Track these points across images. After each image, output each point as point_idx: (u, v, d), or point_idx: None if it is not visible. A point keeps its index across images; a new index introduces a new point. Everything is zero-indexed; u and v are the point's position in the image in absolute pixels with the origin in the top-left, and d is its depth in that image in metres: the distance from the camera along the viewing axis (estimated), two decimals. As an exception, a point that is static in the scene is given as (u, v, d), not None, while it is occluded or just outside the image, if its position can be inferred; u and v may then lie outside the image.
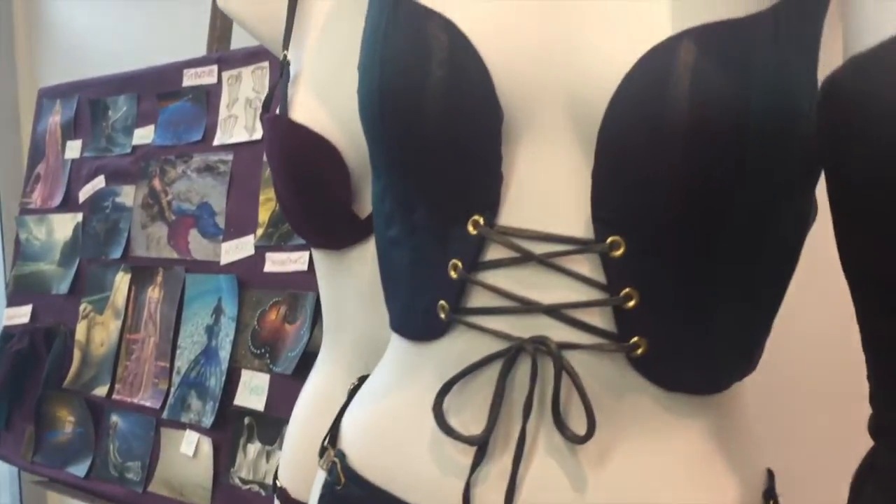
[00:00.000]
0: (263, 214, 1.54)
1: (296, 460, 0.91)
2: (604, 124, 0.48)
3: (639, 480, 0.52)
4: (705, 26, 0.48)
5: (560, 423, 0.50)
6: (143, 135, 1.80)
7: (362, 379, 0.69)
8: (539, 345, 0.49)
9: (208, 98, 1.68)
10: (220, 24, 1.74)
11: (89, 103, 1.95)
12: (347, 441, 0.63)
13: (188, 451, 1.56)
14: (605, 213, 0.49)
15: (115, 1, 2.23)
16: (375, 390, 0.62)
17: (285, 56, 0.88)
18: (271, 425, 1.45)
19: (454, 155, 0.51)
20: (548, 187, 0.50)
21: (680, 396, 0.53)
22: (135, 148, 1.83)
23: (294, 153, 0.82)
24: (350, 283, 0.86)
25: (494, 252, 0.51)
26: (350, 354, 0.87)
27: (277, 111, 0.85)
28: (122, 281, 1.78)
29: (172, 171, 1.75)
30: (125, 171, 1.83)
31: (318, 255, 0.92)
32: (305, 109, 0.83)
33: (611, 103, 0.49)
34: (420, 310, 0.56)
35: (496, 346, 0.51)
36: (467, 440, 0.52)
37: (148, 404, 1.67)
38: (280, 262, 1.48)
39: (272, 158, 0.87)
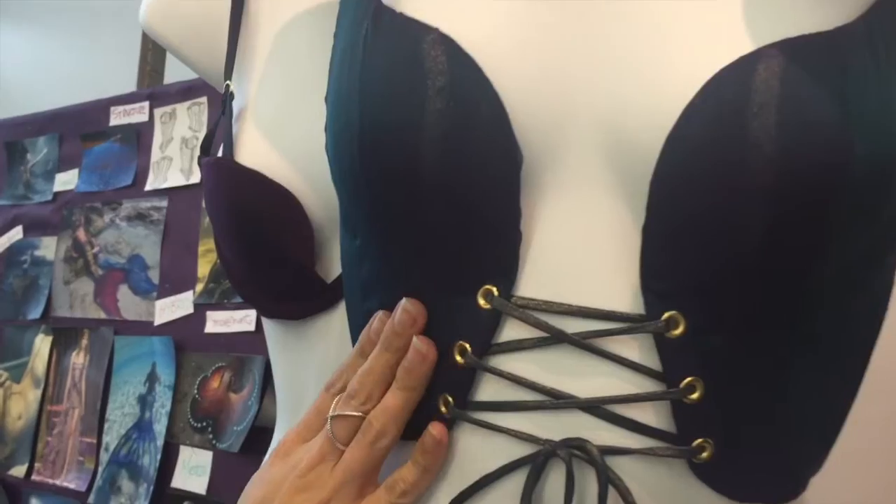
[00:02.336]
0: (203, 268, 1.51)
1: None
2: (659, 168, 0.43)
3: None
4: (790, 41, 0.43)
5: None
6: (66, 180, 1.79)
7: None
8: (576, 450, 0.45)
9: (139, 138, 1.66)
10: (152, 56, 1.73)
11: (5, 145, 1.94)
12: None
13: None
14: (659, 282, 0.44)
15: (32, 31, 2.21)
16: None
17: (228, 87, 0.79)
18: None
19: (459, 210, 0.46)
20: (581, 249, 0.46)
21: None
22: (56, 195, 1.81)
23: (243, 204, 0.73)
24: (312, 359, 0.76)
25: (513, 331, 0.47)
26: None
27: (220, 153, 0.76)
28: (42, 344, 1.75)
29: (99, 220, 1.71)
30: (45, 221, 1.81)
31: (270, 324, 0.81)
32: (255, 151, 0.74)
33: (668, 141, 0.43)
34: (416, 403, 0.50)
35: (518, 450, 0.46)
36: None
37: (72, 486, 1.61)
38: (223, 322, 1.46)
39: (214, 210, 0.77)
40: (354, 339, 0.56)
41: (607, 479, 0.44)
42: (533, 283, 0.47)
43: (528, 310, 0.46)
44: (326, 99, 0.53)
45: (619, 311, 0.45)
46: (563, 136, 0.46)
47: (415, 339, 0.48)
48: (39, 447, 1.70)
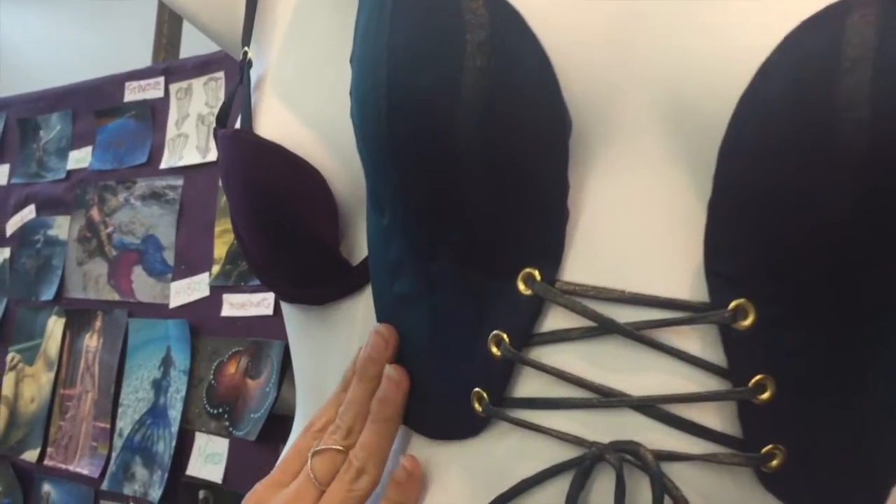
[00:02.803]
0: (220, 249, 1.48)
1: None
2: (730, 134, 0.40)
3: None
4: None
5: None
6: (80, 158, 1.78)
7: None
8: (627, 454, 0.42)
9: (154, 114, 1.64)
10: (168, 30, 1.70)
11: (18, 122, 1.93)
12: None
13: None
14: (727, 265, 0.41)
15: (46, 5, 2.20)
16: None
17: (246, 53, 0.76)
18: (231, 501, 1.38)
19: (499, 182, 0.43)
20: (636, 228, 0.43)
21: None
22: (70, 173, 1.80)
23: (262, 180, 0.70)
24: (335, 346, 0.73)
25: (557, 320, 0.44)
26: None
27: (238, 125, 0.73)
28: (55, 326, 1.73)
29: (113, 200, 1.69)
30: (59, 200, 1.80)
31: (291, 309, 0.78)
32: (275, 122, 0.71)
33: (741, 103, 0.40)
34: (443, 398, 0.48)
35: (561, 454, 0.44)
36: None
37: (85, 472, 1.60)
38: (240, 305, 1.43)
39: (231, 186, 0.74)
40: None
41: (663, 488, 0.42)
42: (580, 266, 0.44)
43: (575, 296, 0.43)
44: (351, 60, 0.51)
45: (678, 298, 0.42)
46: (618, 100, 0.43)
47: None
48: (52, 431, 1.69)
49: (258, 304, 1.40)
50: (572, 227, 0.44)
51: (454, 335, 0.48)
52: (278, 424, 1.30)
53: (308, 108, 0.70)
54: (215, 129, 0.78)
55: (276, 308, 1.35)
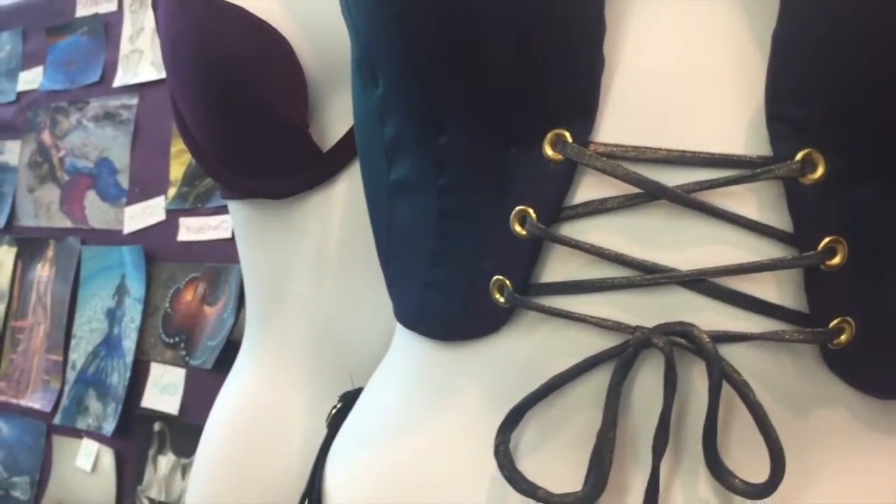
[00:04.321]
0: (176, 170, 1.44)
1: (209, 496, 0.77)
2: None
3: None
4: None
5: (718, 466, 0.40)
6: (30, 79, 1.73)
7: (347, 399, 0.58)
8: (677, 337, 0.39)
9: (107, 30, 1.60)
10: None
11: None
12: (342, 502, 0.51)
13: (86, 465, 1.49)
14: (793, 108, 0.38)
15: None
16: (381, 420, 0.51)
17: None
18: (187, 433, 1.36)
19: (523, 25, 0.39)
20: (684, 75, 0.39)
21: (892, 406, 0.43)
22: (20, 95, 1.76)
23: (219, 46, 0.64)
24: (301, 246, 0.71)
25: (592, 189, 0.41)
26: (296, 350, 0.73)
27: None
28: (5, 256, 1.70)
29: (65, 122, 1.64)
30: (8, 124, 1.76)
31: (244, 209, 0.74)
32: None
33: None
34: (457, 291, 0.45)
35: (599, 343, 0.41)
36: (561, 503, 0.41)
37: (37, 406, 1.59)
38: (197, 229, 1.40)
39: (177, 58, 0.67)
40: (374, 220, 0.51)
41: (721, 373, 0.39)
42: (618, 123, 0.40)
43: (613, 159, 0.40)
44: None
45: (735, 154, 0.39)
46: None
47: None
48: (3, 365, 1.67)
49: (216, 227, 1.37)
50: (609, 77, 0.40)
51: (468, 220, 0.44)
52: (236, 352, 1.26)
53: None
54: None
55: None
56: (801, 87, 0.38)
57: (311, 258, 0.71)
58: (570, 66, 0.40)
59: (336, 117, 0.66)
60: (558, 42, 0.40)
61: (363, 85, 0.48)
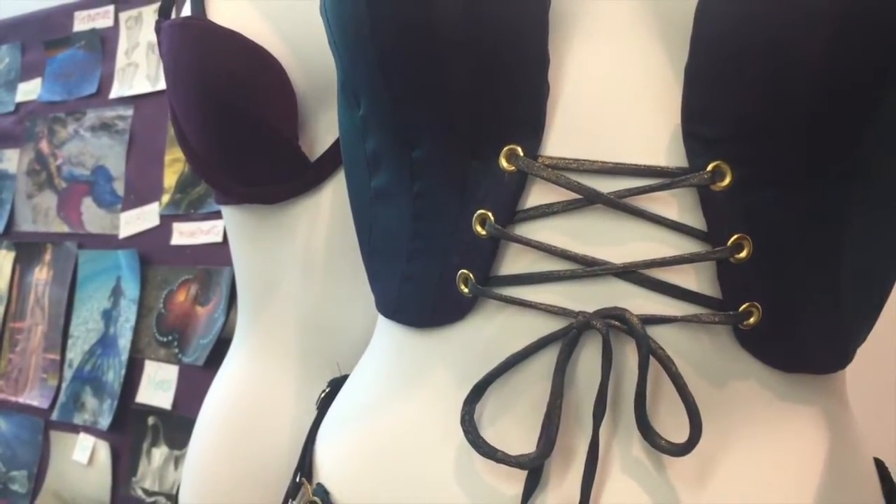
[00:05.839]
0: (170, 178, 1.46)
1: (203, 480, 0.78)
2: None
3: (751, 496, 0.46)
4: None
5: (647, 429, 0.43)
6: (28, 90, 1.74)
7: (335, 383, 0.60)
8: (613, 320, 0.43)
9: (104, 44, 1.61)
10: None
11: None
12: (330, 474, 0.54)
13: (82, 459, 1.49)
14: (703, 127, 0.41)
15: None
16: (363, 400, 0.54)
17: None
18: (180, 426, 1.36)
19: (481, 58, 0.43)
20: (615, 99, 0.43)
21: (798, 379, 0.46)
22: (18, 105, 1.76)
23: (217, 66, 0.67)
24: (291, 247, 0.73)
25: (541, 195, 0.44)
26: (285, 340, 0.76)
27: (187, 13, 0.70)
28: (4, 260, 1.70)
29: (63, 131, 1.65)
30: (8, 133, 1.76)
31: (237, 213, 0.76)
32: (230, 11, 0.68)
33: None
34: (429, 283, 0.48)
35: (548, 326, 0.44)
36: (516, 462, 0.44)
37: (35, 403, 1.59)
38: (189, 234, 1.41)
39: (179, 77, 0.70)
40: (357, 222, 0.53)
41: (648, 350, 0.42)
42: (562, 140, 0.44)
43: (558, 170, 0.43)
44: None
45: (658, 165, 0.42)
46: None
47: None
48: (1, 365, 1.66)
49: (208, 231, 1.38)
50: (553, 101, 0.44)
51: (438, 221, 0.47)
52: (226, 349, 1.27)
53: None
54: (157, 22, 0.74)
55: (226, 235, 1.30)
56: (709, 109, 0.41)
57: (300, 257, 0.72)
58: (519, 92, 0.43)
59: (323, 131, 0.68)
60: (509, 74, 0.43)
61: (347, 105, 0.51)
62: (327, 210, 0.72)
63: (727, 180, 0.41)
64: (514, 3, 0.42)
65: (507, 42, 0.42)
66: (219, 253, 1.35)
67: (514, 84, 0.43)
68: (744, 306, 0.43)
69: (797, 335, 0.45)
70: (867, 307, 0.49)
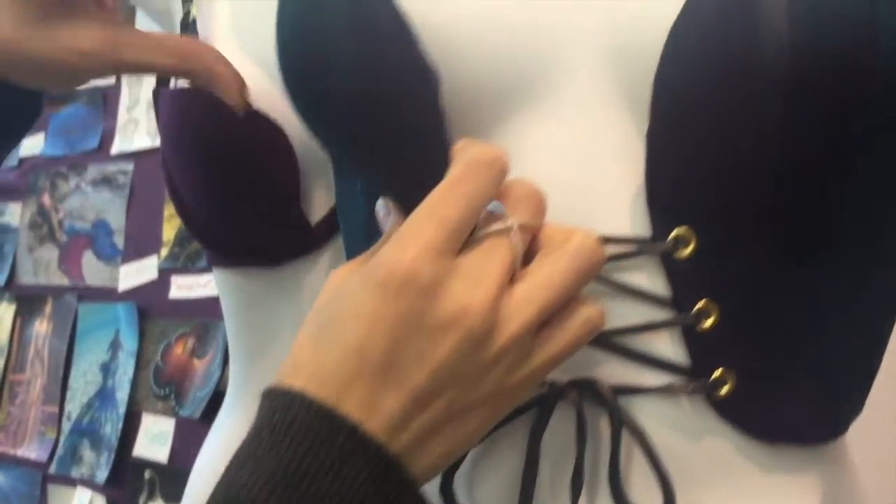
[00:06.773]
0: (168, 232, 1.47)
1: None
2: (663, 64, 0.40)
3: None
4: None
5: (621, 497, 0.42)
6: (31, 145, 1.74)
7: None
8: (584, 389, 0.42)
9: (105, 101, 1.63)
10: (120, 17, 1.59)
11: None
12: None
13: None
14: (667, 196, 0.41)
15: None
16: None
17: (189, 13, 0.73)
18: (176, 480, 1.36)
19: (390, 143, 0.44)
20: (578, 171, 0.43)
21: (783, 450, 0.44)
22: (21, 160, 1.77)
23: (219, 133, 0.67)
24: (288, 310, 0.72)
25: None
26: None
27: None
28: (5, 312, 1.71)
29: (64, 186, 1.67)
30: (10, 187, 1.77)
31: (232, 276, 0.76)
32: None
33: (672, 34, 0.40)
34: None
35: None
36: None
37: (33, 457, 1.58)
38: (187, 287, 1.43)
39: (179, 143, 0.70)
40: None
41: (621, 422, 0.42)
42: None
43: None
44: None
45: (622, 234, 0.42)
46: (554, 48, 0.43)
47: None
48: (0, 417, 1.66)
49: (205, 285, 1.38)
50: (519, 173, 0.43)
51: None
52: (222, 402, 1.29)
53: (266, 60, 0.65)
54: (156, 90, 0.75)
55: (223, 289, 1.35)
56: (671, 177, 0.41)
57: (297, 316, 0.71)
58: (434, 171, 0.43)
59: (321, 196, 0.69)
60: (422, 157, 0.43)
61: (340, 178, 0.52)
62: (326, 272, 0.71)
63: (690, 247, 0.41)
64: (402, 87, 0.42)
65: (403, 129, 0.43)
66: (216, 306, 1.29)
67: (427, 164, 0.43)
68: (715, 374, 0.42)
69: (775, 405, 0.44)
70: (854, 377, 0.48)
